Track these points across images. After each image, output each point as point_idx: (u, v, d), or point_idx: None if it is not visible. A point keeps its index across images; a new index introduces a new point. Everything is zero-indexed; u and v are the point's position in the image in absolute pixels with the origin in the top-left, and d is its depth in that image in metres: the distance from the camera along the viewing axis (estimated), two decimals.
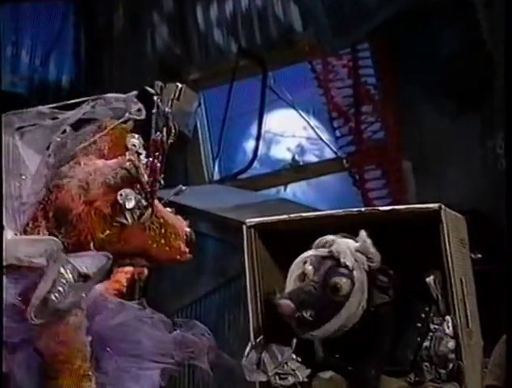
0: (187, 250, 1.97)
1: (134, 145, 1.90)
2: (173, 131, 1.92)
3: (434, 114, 4.77)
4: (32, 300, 1.73)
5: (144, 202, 1.87)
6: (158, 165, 1.88)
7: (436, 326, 1.98)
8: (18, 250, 1.75)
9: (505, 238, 1.89)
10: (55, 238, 1.80)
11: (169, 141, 1.91)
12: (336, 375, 2.01)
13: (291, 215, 2.11)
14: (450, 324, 1.98)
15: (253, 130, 5.59)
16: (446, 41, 4.63)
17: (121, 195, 1.85)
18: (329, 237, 1.99)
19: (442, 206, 2.01)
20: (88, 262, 1.82)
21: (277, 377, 2.01)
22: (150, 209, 1.88)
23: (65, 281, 1.76)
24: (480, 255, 2.35)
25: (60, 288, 1.75)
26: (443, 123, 4.74)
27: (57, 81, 5.93)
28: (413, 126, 4.90)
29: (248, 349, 2.06)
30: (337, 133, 5.24)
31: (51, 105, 1.98)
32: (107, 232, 1.87)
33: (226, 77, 5.51)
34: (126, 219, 1.86)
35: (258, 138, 5.55)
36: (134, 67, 5.76)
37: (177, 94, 1.98)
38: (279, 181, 5.54)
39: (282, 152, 5.59)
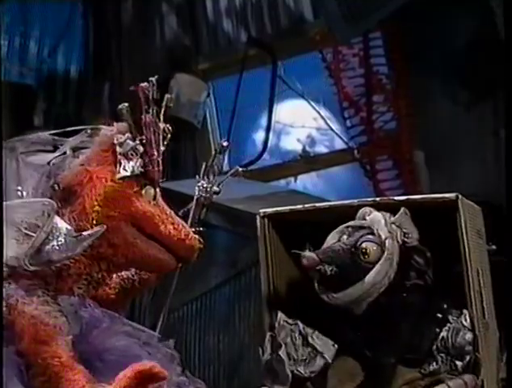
0: (197, 242, 2.00)
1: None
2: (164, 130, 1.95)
3: (447, 103, 4.74)
4: (27, 249, 1.80)
5: (140, 149, 1.89)
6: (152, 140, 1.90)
7: (454, 318, 1.95)
8: (16, 216, 1.80)
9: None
10: (49, 200, 1.86)
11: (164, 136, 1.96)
12: (350, 359, 1.99)
13: (305, 205, 2.09)
14: (467, 316, 1.95)
15: (263, 121, 5.56)
16: (459, 30, 4.59)
17: (117, 137, 1.90)
18: (367, 209, 1.99)
19: (460, 196, 1.99)
20: None
21: (301, 365, 1.97)
22: (152, 188, 1.92)
23: (58, 234, 1.83)
24: (494, 246, 2.32)
25: (54, 241, 1.82)
26: (456, 112, 4.71)
27: (66, 72, 5.91)
28: (426, 116, 4.86)
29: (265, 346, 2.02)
30: (348, 123, 5.21)
31: (52, 131, 2.03)
32: (108, 186, 1.89)
33: (235, 67, 5.48)
34: (124, 169, 1.88)
35: (267, 129, 5.52)
36: (143, 58, 5.74)
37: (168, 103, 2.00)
38: (289, 172, 5.51)
39: (292, 143, 5.57)
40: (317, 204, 2.12)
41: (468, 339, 1.94)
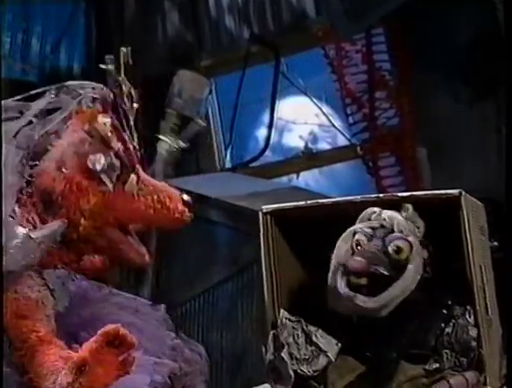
0: (186, 208, 1.96)
1: (105, 124, 1.89)
2: (126, 89, 1.91)
3: (450, 100, 4.72)
4: None
5: (117, 163, 1.86)
6: (120, 124, 1.87)
7: (459, 314, 1.95)
8: None
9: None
10: None
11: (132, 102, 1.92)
12: (351, 358, 1.98)
13: (308, 201, 2.08)
14: (472, 312, 1.95)
15: (266, 117, 5.55)
16: (462, 26, 4.58)
17: (90, 159, 1.86)
18: (373, 209, 1.97)
19: (463, 192, 1.98)
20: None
21: (304, 365, 1.96)
22: (134, 176, 1.89)
23: (14, 244, 1.78)
24: (496, 243, 2.32)
25: (11, 250, 1.78)
26: (459, 109, 4.70)
27: (68, 68, 5.91)
28: (429, 112, 4.85)
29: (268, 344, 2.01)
30: (351, 120, 5.20)
31: (16, 97, 1.99)
32: (92, 202, 1.86)
33: (238, 63, 5.48)
34: (104, 183, 1.85)
35: (270, 126, 5.51)
36: (145, 54, 5.73)
37: (125, 59, 1.97)
38: (292, 169, 5.50)
39: (294, 139, 5.56)
40: (320, 201, 2.11)
41: (473, 335, 1.93)
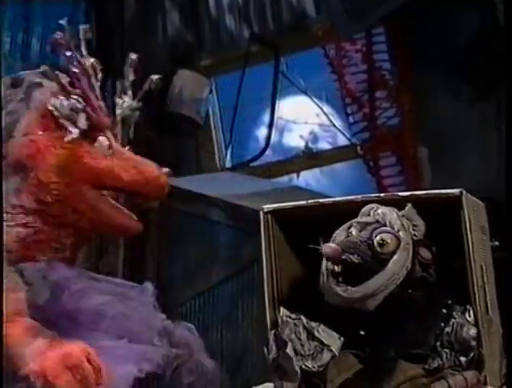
0: (163, 175, 1.95)
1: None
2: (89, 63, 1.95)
3: (451, 99, 4.72)
4: None
5: (78, 105, 1.85)
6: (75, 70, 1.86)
7: (459, 313, 1.95)
8: None
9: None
10: None
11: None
12: (351, 355, 1.98)
13: (309, 201, 2.08)
14: (471, 312, 1.94)
15: (266, 117, 5.55)
16: (462, 26, 4.58)
17: (51, 102, 1.84)
18: (372, 205, 1.98)
19: (464, 192, 1.98)
20: None
21: (309, 360, 1.96)
22: (104, 138, 1.89)
23: None
24: (497, 243, 2.32)
25: None
26: (460, 109, 4.69)
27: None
28: (429, 112, 4.85)
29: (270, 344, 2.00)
30: (351, 120, 5.19)
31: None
32: (59, 156, 1.85)
33: (238, 63, 5.47)
34: (68, 131, 1.83)
35: (270, 125, 5.51)
36: (145, 54, 5.72)
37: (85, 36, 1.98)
38: (292, 168, 5.50)
39: (294, 139, 5.55)
40: (321, 200, 2.11)
41: (473, 335, 1.93)
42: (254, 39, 5.41)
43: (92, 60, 1.92)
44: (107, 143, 1.91)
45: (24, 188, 1.84)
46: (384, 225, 1.93)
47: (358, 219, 1.97)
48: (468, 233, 1.96)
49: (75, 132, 1.83)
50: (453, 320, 1.94)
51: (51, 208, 1.86)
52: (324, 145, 5.47)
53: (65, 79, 1.86)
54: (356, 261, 1.88)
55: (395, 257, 1.90)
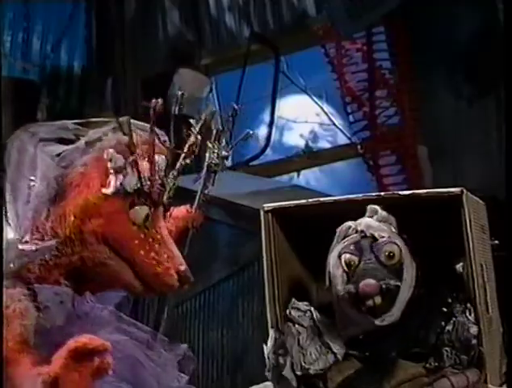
0: (178, 278, 1.85)
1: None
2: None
3: (451, 98, 4.72)
4: None
5: (131, 173, 1.79)
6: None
7: (459, 312, 1.95)
8: None
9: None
10: None
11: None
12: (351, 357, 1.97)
13: (310, 200, 2.08)
14: (472, 310, 1.94)
15: (266, 116, 5.55)
16: (463, 24, 4.58)
17: (106, 152, 1.79)
18: (346, 224, 1.94)
19: (464, 190, 1.98)
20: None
21: (310, 365, 1.95)
22: (147, 209, 1.81)
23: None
24: (497, 242, 2.32)
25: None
26: (460, 107, 4.69)
27: (69, 67, 5.91)
28: (429, 111, 4.85)
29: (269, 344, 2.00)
30: (351, 119, 5.20)
31: (75, 121, 1.93)
32: (87, 197, 1.79)
33: (238, 62, 5.47)
34: (110, 186, 1.78)
35: (270, 124, 5.51)
36: (146, 53, 5.73)
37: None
38: (292, 167, 5.50)
39: (295, 138, 5.56)
40: (321, 199, 2.10)
41: (474, 333, 1.93)
42: (255, 38, 5.41)
43: (168, 144, 1.87)
44: (145, 214, 1.82)
45: (51, 216, 1.81)
46: (375, 239, 1.91)
47: (342, 245, 1.92)
48: (469, 232, 1.96)
49: (112, 189, 1.79)
50: (454, 319, 1.94)
51: (58, 242, 1.83)
52: (324, 144, 5.48)
53: (137, 137, 1.80)
54: (396, 283, 1.87)
55: (405, 262, 1.90)
